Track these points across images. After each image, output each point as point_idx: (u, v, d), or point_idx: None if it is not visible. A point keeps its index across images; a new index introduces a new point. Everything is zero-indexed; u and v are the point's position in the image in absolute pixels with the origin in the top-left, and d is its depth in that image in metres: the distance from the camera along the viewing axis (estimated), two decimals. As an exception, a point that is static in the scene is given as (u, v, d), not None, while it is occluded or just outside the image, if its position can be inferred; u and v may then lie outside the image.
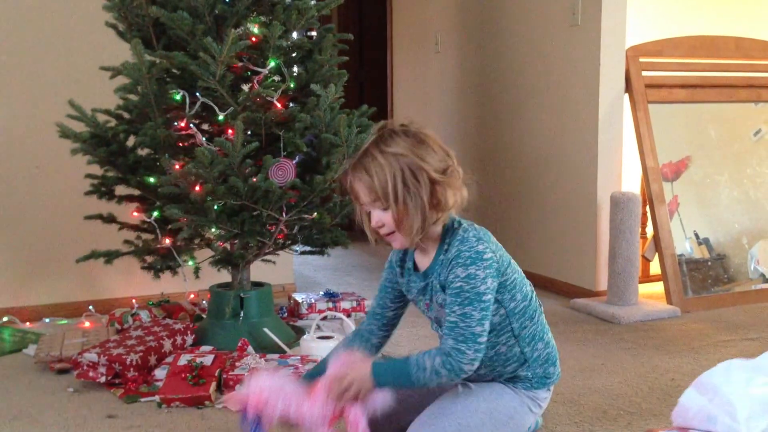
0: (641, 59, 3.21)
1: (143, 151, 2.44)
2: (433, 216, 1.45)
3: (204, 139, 2.32)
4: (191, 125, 2.33)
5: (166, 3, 2.28)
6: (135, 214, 2.53)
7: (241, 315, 2.49)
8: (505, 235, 3.70)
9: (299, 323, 2.84)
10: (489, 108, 3.85)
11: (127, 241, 2.59)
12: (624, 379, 2.20)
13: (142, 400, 2.05)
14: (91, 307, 2.97)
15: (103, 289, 3.05)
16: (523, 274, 1.59)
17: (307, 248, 2.63)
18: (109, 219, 2.57)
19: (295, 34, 2.48)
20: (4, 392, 2.14)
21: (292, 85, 2.43)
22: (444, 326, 1.46)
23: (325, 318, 2.82)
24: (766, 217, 3.33)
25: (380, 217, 1.45)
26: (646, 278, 3.40)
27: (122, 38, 2.46)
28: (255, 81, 2.35)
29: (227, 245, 2.48)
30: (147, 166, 2.41)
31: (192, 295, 2.97)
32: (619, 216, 2.93)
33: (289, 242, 2.55)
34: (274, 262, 2.86)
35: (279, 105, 2.33)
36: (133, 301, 2.93)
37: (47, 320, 2.92)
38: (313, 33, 2.55)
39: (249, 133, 2.32)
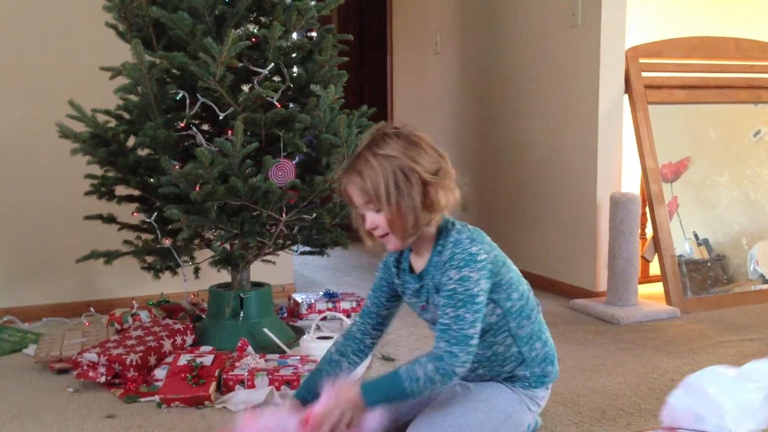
0: (641, 60, 3.21)
1: (143, 152, 2.44)
2: (426, 217, 1.46)
3: (204, 139, 2.33)
4: (191, 126, 2.33)
5: (166, 3, 2.28)
6: (135, 214, 2.54)
7: (241, 315, 2.49)
8: (505, 236, 3.70)
9: (299, 323, 2.84)
10: (489, 109, 3.86)
11: (127, 242, 2.59)
12: (623, 379, 2.21)
13: (142, 400, 2.05)
14: (91, 308, 2.97)
15: (103, 289, 3.05)
16: (519, 273, 1.59)
17: (307, 248, 2.63)
18: (109, 219, 2.57)
19: (295, 35, 2.48)
20: (4, 392, 2.14)
21: (291, 86, 2.44)
22: (436, 328, 1.46)
23: (324, 318, 2.82)
24: (765, 218, 3.34)
25: (373, 219, 1.46)
26: (646, 279, 3.40)
27: (122, 38, 2.46)
28: (255, 81, 2.35)
29: (227, 245, 2.48)
30: (147, 167, 2.41)
31: (192, 296, 2.97)
32: (618, 216, 2.93)
33: (289, 242, 2.55)
34: (273, 263, 2.86)
35: (279, 105, 2.33)
36: (133, 301, 2.92)
37: (47, 320, 2.92)
38: (313, 33, 2.55)
39: (249, 133, 2.32)
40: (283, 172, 2.25)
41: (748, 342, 2.59)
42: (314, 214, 2.39)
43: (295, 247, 2.64)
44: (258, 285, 2.63)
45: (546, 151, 3.42)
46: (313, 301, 2.96)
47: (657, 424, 1.86)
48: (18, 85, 2.89)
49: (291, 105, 2.44)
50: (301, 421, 1.43)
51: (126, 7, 2.35)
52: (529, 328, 1.57)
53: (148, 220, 2.44)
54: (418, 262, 1.56)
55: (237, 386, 2.09)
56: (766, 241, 3.29)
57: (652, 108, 3.20)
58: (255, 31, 2.39)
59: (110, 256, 2.47)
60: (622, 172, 3.21)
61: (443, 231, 1.51)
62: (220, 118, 2.31)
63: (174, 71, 2.37)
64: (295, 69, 2.49)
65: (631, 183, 3.36)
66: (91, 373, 2.15)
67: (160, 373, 2.18)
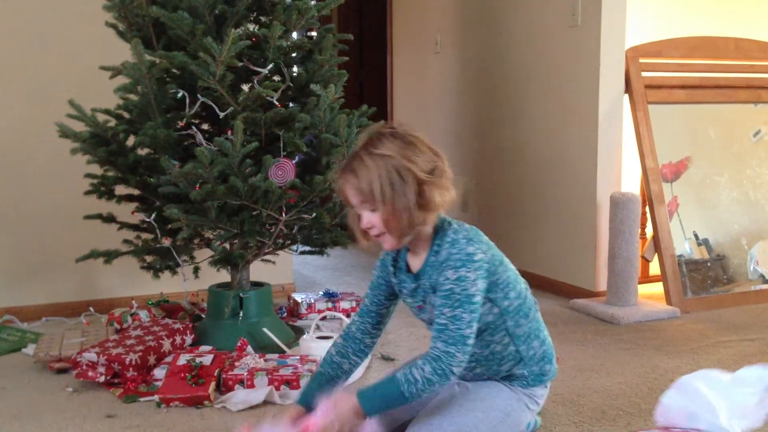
0: (641, 60, 3.21)
1: (143, 151, 2.44)
2: (421, 216, 1.45)
3: (204, 138, 2.32)
4: (191, 125, 2.33)
5: (166, 3, 2.28)
6: (134, 213, 2.53)
7: (241, 315, 2.49)
8: (505, 235, 3.70)
9: (298, 323, 2.84)
10: (489, 109, 3.85)
11: (126, 241, 2.59)
12: (623, 379, 2.21)
13: (141, 399, 2.05)
14: (90, 307, 2.97)
15: (102, 288, 3.05)
16: (516, 272, 1.59)
17: (307, 248, 2.63)
18: (109, 219, 2.57)
19: (295, 35, 2.48)
20: (3, 392, 2.14)
21: (291, 85, 2.44)
22: (432, 328, 1.46)
23: (324, 318, 2.82)
24: (765, 218, 3.33)
25: (369, 219, 1.46)
26: (646, 279, 3.40)
27: (122, 38, 2.46)
28: (255, 81, 2.35)
29: (227, 245, 2.48)
30: (147, 166, 2.41)
31: (191, 295, 2.97)
32: (618, 216, 2.93)
33: (289, 242, 2.55)
34: (273, 262, 2.86)
35: (279, 105, 2.33)
36: (133, 300, 2.93)
37: (46, 320, 2.92)
38: (313, 33, 2.55)
39: (249, 133, 2.32)
40: (282, 171, 2.25)
41: (748, 342, 2.59)
42: (314, 214, 2.39)
43: (294, 247, 2.64)
44: (257, 284, 2.63)
45: (546, 150, 3.42)
46: (312, 301, 2.96)
47: (655, 424, 1.86)
48: (18, 84, 2.89)
49: (291, 104, 2.44)
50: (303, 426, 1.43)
51: (126, 6, 2.35)
52: (527, 326, 1.57)
53: (148, 220, 2.44)
54: (415, 262, 1.56)
55: (236, 386, 2.08)
56: (766, 241, 3.29)
57: (652, 108, 3.20)
58: (255, 30, 2.39)
59: (110, 256, 2.47)
60: (622, 172, 3.21)
61: (440, 230, 1.51)
62: (220, 117, 2.31)
63: (174, 71, 2.37)
64: (295, 68, 2.49)
65: (631, 183, 3.36)
66: (90, 373, 2.15)
67: (159, 372, 2.18)
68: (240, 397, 2.03)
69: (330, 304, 2.94)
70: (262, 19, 2.48)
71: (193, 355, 2.17)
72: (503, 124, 3.73)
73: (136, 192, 2.51)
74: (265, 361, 2.20)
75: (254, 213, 2.32)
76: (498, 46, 3.74)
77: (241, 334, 2.43)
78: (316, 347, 2.30)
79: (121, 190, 2.53)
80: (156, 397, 2.02)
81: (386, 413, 1.50)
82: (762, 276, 3.23)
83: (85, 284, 3.02)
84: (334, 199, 2.41)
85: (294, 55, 2.48)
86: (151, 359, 2.23)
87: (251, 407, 1.98)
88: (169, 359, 2.24)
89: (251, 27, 2.44)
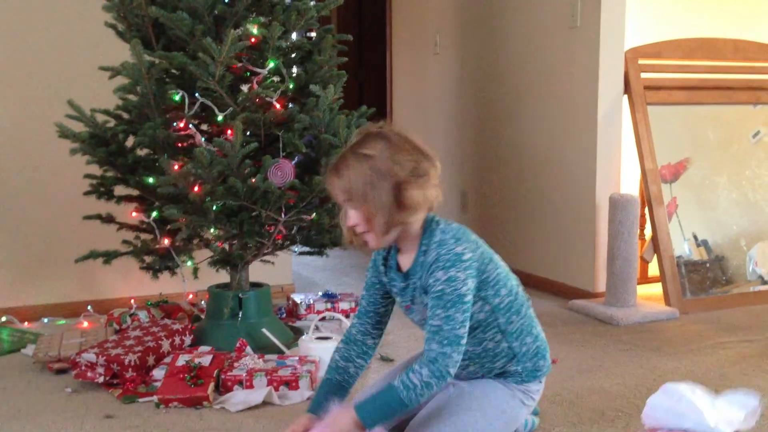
0: (640, 61, 3.21)
1: (142, 152, 2.44)
2: (401, 216, 1.47)
3: (203, 139, 2.32)
4: (190, 125, 2.33)
5: (165, 3, 2.28)
6: (134, 214, 2.53)
7: (240, 315, 2.49)
8: (504, 236, 3.70)
9: (298, 324, 2.84)
10: (488, 110, 3.86)
11: (125, 242, 2.59)
12: (622, 380, 2.21)
13: (140, 400, 2.05)
14: (89, 307, 2.97)
15: (101, 289, 3.05)
16: (507, 269, 1.60)
17: (306, 249, 2.63)
18: (108, 219, 2.57)
19: (294, 35, 2.48)
20: (3, 392, 2.14)
21: (291, 86, 2.44)
22: (426, 330, 1.46)
23: (323, 319, 2.81)
24: (764, 219, 3.34)
25: (353, 216, 1.49)
26: (645, 280, 3.40)
27: (122, 38, 2.46)
28: (254, 81, 2.35)
29: (226, 246, 2.48)
30: (146, 167, 2.41)
31: (190, 296, 2.97)
32: (617, 217, 2.93)
33: (288, 243, 2.55)
34: (272, 263, 2.86)
35: (278, 105, 2.33)
36: (132, 301, 2.93)
37: (46, 320, 2.92)
38: (313, 34, 2.55)
39: (248, 133, 2.32)
40: (282, 172, 2.25)
41: (747, 343, 2.59)
42: (313, 215, 2.39)
43: (294, 248, 2.64)
44: (257, 285, 2.63)
45: (545, 151, 3.42)
46: (311, 302, 2.96)
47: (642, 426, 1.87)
48: (17, 85, 2.89)
49: (290, 105, 2.44)
50: None
51: (125, 6, 2.35)
52: (519, 323, 1.58)
53: (147, 220, 2.44)
54: (405, 261, 1.57)
55: (235, 387, 2.08)
56: (765, 242, 3.29)
57: (651, 109, 3.20)
58: (254, 31, 2.39)
59: (109, 256, 2.47)
60: (622, 173, 3.21)
61: (427, 230, 1.52)
62: (220, 118, 2.31)
63: (173, 71, 2.37)
64: (294, 69, 2.49)
65: (630, 184, 3.36)
66: (89, 374, 2.15)
67: (158, 373, 2.18)
68: (239, 397, 2.03)
69: (329, 305, 2.94)
70: (262, 19, 2.48)
71: (192, 356, 2.17)
72: (502, 124, 3.73)
73: (135, 192, 2.51)
74: (264, 361, 2.20)
75: (253, 214, 2.32)
76: (497, 47, 3.74)
77: (240, 334, 2.43)
78: (315, 348, 2.30)
79: (120, 190, 2.53)
80: (155, 398, 2.02)
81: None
82: (761, 277, 3.23)
83: (84, 284, 3.02)
84: (332, 199, 2.41)
85: (293, 55, 2.49)
86: (150, 360, 2.23)
87: (250, 408, 1.98)
88: (168, 360, 2.24)
89: (250, 28, 2.44)
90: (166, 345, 2.31)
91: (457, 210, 4.10)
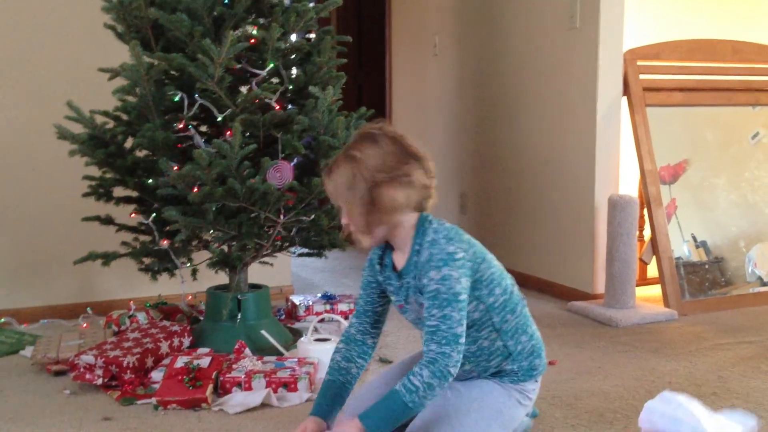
0: (639, 62, 3.21)
1: (141, 153, 2.44)
2: (379, 216, 1.48)
3: (202, 140, 2.32)
4: (189, 127, 2.33)
5: (164, 5, 2.28)
6: (133, 215, 2.53)
7: (239, 317, 2.49)
8: (503, 237, 3.70)
9: (296, 325, 2.84)
10: (487, 111, 3.86)
11: (124, 243, 2.59)
12: (621, 382, 2.20)
13: (139, 402, 2.05)
14: (88, 309, 2.97)
15: (100, 290, 3.05)
16: (501, 268, 1.60)
17: (305, 250, 2.63)
18: (107, 221, 2.57)
19: (293, 36, 2.48)
20: (1, 394, 2.14)
21: (290, 87, 2.44)
22: (424, 331, 1.46)
23: (322, 320, 2.81)
24: (763, 220, 3.34)
25: (342, 216, 1.54)
26: (644, 281, 3.40)
27: (121, 40, 2.46)
28: (253, 83, 2.35)
29: (225, 247, 2.48)
30: (145, 168, 2.41)
31: (189, 297, 2.97)
32: (616, 219, 2.93)
33: (287, 244, 2.55)
34: (271, 264, 2.86)
35: (277, 107, 2.33)
36: (131, 303, 2.92)
37: (44, 322, 2.91)
38: (312, 35, 2.55)
39: (247, 135, 2.32)
40: (281, 173, 2.25)
41: (746, 344, 2.59)
42: (312, 216, 2.39)
43: (293, 249, 2.64)
44: (256, 287, 2.63)
45: (544, 153, 3.42)
46: (310, 303, 2.96)
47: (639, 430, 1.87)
48: (17, 86, 2.88)
49: (289, 106, 2.44)
50: None
51: (125, 8, 2.35)
52: (514, 322, 1.58)
53: (146, 222, 2.43)
54: (399, 260, 1.58)
55: (234, 388, 2.08)
56: (764, 244, 3.29)
57: (650, 110, 3.20)
58: (254, 32, 2.39)
59: (108, 258, 2.46)
60: (620, 175, 3.21)
61: (420, 230, 1.53)
62: (219, 119, 2.31)
63: (172, 72, 2.37)
64: (293, 70, 2.49)
65: (629, 185, 3.36)
66: (88, 375, 2.14)
67: (157, 375, 2.18)
68: (237, 399, 2.02)
69: (328, 307, 2.94)
70: (261, 21, 2.48)
71: (191, 358, 2.17)
72: (501, 126, 3.73)
73: (134, 194, 2.50)
74: (263, 363, 2.19)
75: (252, 215, 2.32)
76: (496, 48, 3.74)
77: (239, 336, 2.43)
78: (314, 350, 2.29)
79: (119, 191, 2.52)
80: (153, 400, 2.01)
81: None
82: (760, 278, 3.24)
83: (83, 286, 3.01)
84: (331, 201, 2.41)
85: (292, 57, 2.48)
86: (149, 361, 2.23)
87: (249, 410, 1.98)
88: (166, 361, 2.24)
89: (250, 29, 2.44)
90: (164, 347, 2.31)
91: (456, 211, 4.10)
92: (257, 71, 2.35)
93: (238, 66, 2.33)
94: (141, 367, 2.19)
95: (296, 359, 2.24)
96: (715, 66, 3.37)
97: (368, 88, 5.40)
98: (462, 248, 1.48)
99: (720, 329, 2.79)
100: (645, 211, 3.22)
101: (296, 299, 3.02)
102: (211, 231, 2.36)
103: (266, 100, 2.30)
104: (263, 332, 2.47)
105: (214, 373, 2.10)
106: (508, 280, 1.60)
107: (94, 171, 2.51)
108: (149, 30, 2.37)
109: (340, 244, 2.53)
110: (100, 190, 2.51)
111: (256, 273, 2.79)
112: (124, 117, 2.44)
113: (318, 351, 2.27)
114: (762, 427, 1.84)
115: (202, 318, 2.73)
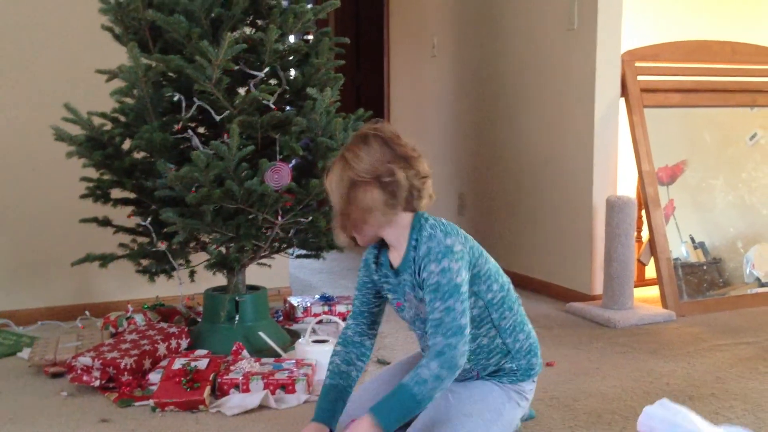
0: (637, 63, 3.21)
1: (139, 155, 2.44)
2: (361, 215, 1.50)
3: (200, 142, 2.32)
4: (187, 129, 2.33)
5: (162, 6, 2.28)
6: (131, 217, 2.53)
7: (236, 319, 2.49)
8: (501, 238, 3.70)
9: (294, 327, 2.84)
10: (485, 112, 3.86)
11: (122, 245, 2.58)
12: (619, 383, 2.20)
13: (136, 404, 2.04)
14: (86, 312, 2.96)
15: (98, 292, 3.04)
16: (497, 266, 1.62)
17: (303, 252, 2.63)
18: (105, 222, 2.56)
19: (291, 38, 2.48)
20: (-2, 396, 2.14)
21: (288, 89, 2.44)
22: (428, 326, 1.46)
23: (320, 321, 2.81)
24: (761, 222, 3.34)
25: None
26: (642, 282, 3.40)
27: (118, 41, 2.46)
28: (251, 84, 2.35)
29: (223, 249, 2.48)
30: (143, 170, 2.40)
31: (187, 299, 2.96)
32: (614, 220, 2.93)
33: (285, 246, 2.55)
34: (269, 266, 2.86)
35: (275, 108, 2.33)
36: (128, 304, 2.91)
37: (42, 323, 2.91)
38: (310, 36, 2.55)
39: (245, 136, 2.32)
40: (279, 175, 2.25)
41: (744, 345, 2.59)
42: (310, 218, 2.39)
43: (290, 251, 2.64)
44: (253, 288, 2.63)
45: (542, 154, 3.42)
46: (308, 305, 2.96)
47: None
48: (15, 87, 2.88)
49: (287, 108, 2.44)
50: None
51: (122, 10, 2.35)
52: (512, 319, 1.59)
53: (144, 224, 2.43)
54: (395, 257, 1.59)
55: (232, 390, 2.08)
56: (761, 245, 3.29)
57: (648, 111, 3.21)
58: (251, 33, 2.39)
59: (105, 260, 2.46)
60: (618, 176, 3.21)
61: (416, 226, 1.54)
62: (216, 121, 2.31)
63: (170, 74, 2.36)
64: (291, 72, 2.49)
65: (627, 186, 3.36)
66: (85, 377, 2.14)
67: (154, 377, 2.17)
68: (235, 401, 2.02)
69: (326, 308, 2.94)
70: (259, 22, 2.48)
71: (189, 359, 2.17)
72: (500, 127, 3.73)
73: (132, 195, 2.50)
74: (261, 365, 2.19)
75: (250, 216, 2.31)
76: (494, 49, 3.74)
77: (236, 338, 2.42)
78: (312, 351, 2.29)
79: (117, 193, 2.52)
80: (151, 402, 2.01)
81: None
82: (758, 279, 3.24)
83: (80, 288, 3.01)
84: (330, 202, 2.41)
85: (290, 58, 2.48)
86: (147, 363, 2.23)
87: (246, 411, 1.98)
88: (164, 363, 2.24)
89: (247, 30, 2.44)
90: (162, 348, 2.30)
91: (454, 212, 4.09)
92: (255, 73, 2.35)
93: (236, 67, 2.33)
94: (138, 369, 2.19)
95: (294, 361, 2.24)
96: (713, 67, 3.38)
97: (366, 89, 5.41)
98: (459, 241, 1.50)
99: (718, 330, 2.80)
100: (643, 212, 3.22)
101: (294, 300, 3.02)
102: (209, 232, 2.35)
103: (264, 102, 2.30)
104: (261, 334, 2.47)
105: (212, 375, 2.10)
106: (505, 278, 1.62)
107: (92, 173, 2.51)
108: (147, 31, 2.37)
109: (338, 245, 2.52)
110: (98, 192, 2.51)
111: (254, 274, 2.79)
112: (122, 118, 2.44)
113: (316, 352, 2.27)
114: (760, 427, 1.84)
115: (199, 320, 2.72)
